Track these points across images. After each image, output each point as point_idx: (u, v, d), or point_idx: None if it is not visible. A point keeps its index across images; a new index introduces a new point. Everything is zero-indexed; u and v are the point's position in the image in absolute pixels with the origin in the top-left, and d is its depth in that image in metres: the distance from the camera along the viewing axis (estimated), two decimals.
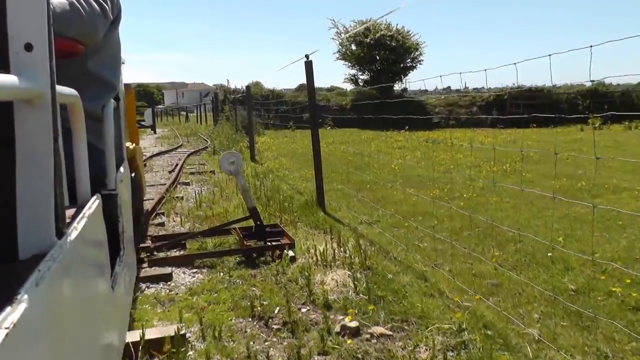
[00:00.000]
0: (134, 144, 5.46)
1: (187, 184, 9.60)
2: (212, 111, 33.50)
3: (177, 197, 8.00)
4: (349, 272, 4.16)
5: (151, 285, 4.23)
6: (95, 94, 2.06)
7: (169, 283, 4.28)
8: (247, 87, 12.74)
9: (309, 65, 6.99)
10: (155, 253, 5.02)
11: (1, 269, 0.89)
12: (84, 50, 1.94)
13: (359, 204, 7.64)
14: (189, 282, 4.32)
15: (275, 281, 4.21)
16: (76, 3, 1.84)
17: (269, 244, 5.12)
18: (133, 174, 5.30)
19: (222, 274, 4.49)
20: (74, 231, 1.07)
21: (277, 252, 4.81)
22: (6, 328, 0.62)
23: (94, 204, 1.37)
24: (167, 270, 4.45)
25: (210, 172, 10.88)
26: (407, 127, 26.27)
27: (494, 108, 32.00)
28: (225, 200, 7.84)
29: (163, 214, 6.90)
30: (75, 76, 1.83)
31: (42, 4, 0.95)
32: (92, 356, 1.17)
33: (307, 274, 4.12)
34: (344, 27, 32.41)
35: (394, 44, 30.80)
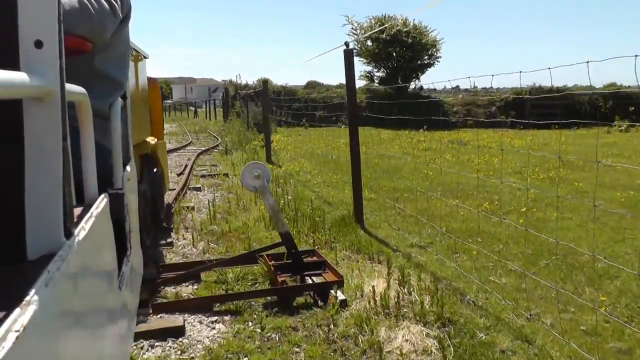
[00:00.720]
0: (156, 139, 5.44)
1: (198, 189, 8.53)
2: (222, 107, 32.47)
3: (187, 207, 6.93)
4: (425, 329, 3.07)
5: (156, 344, 3.16)
6: (102, 92, 2.00)
7: (180, 341, 3.18)
8: (264, 81, 11.68)
9: (348, 55, 5.92)
10: (162, 287, 3.94)
11: (10, 270, 0.89)
12: (93, 48, 1.90)
13: (399, 219, 6.56)
14: (208, 337, 3.24)
15: (326, 338, 3.13)
16: (85, 1, 1.82)
17: (309, 279, 4.04)
18: (155, 170, 5.43)
19: (251, 324, 3.42)
20: (82, 231, 1.06)
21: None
22: (16, 331, 0.62)
23: (101, 203, 1.35)
24: (178, 320, 3.38)
25: (224, 175, 9.79)
26: (425, 127, 25.18)
27: (513, 109, 30.83)
28: (243, 211, 6.79)
29: (172, 229, 5.82)
30: (83, 74, 1.77)
31: (53, 1, 0.95)
32: (101, 354, 1.16)
33: (367, 329, 3.03)
34: (358, 23, 31.29)
35: (410, 40, 29.62)
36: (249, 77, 36.76)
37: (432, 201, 7.33)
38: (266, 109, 12.13)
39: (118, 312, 1.51)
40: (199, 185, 8.68)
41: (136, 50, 5.15)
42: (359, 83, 35.19)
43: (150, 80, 6.17)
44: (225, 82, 35.22)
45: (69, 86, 1.05)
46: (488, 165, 11.40)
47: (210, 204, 6.80)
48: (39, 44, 0.90)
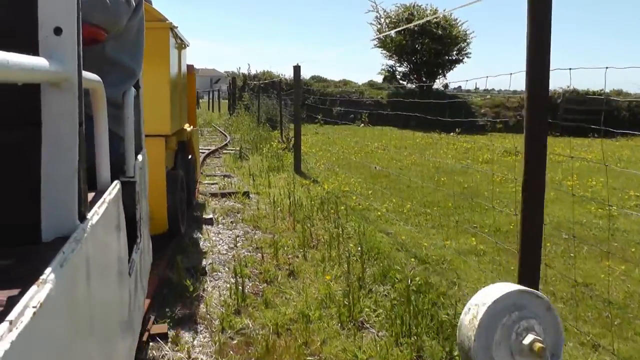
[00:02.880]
0: (192, 126, 5.47)
1: (210, 221, 5.75)
2: (227, 99, 29.66)
3: (192, 266, 4.19)
4: None
5: None
6: (116, 81, 1.99)
7: None
8: (296, 67, 8.84)
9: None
10: None
11: (26, 251, 0.93)
12: (107, 36, 1.89)
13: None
14: None
15: None
16: None
17: None
18: (190, 156, 5.59)
19: None
20: (95, 215, 1.08)
21: None
22: (33, 307, 0.65)
23: (114, 189, 1.36)
24: None
25: (244, 194, 7.01)
26: (458, 130, 22.45)
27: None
28: (290, 277, 4.06)
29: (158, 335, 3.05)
30: (96, 62, 1.75)
31: None
32: (111, 336, 1.19)
33: None
34: (385, 11, 28.43)
35: (440, 32, 26.80)
36: (258, 69, 33.84)
37: (589, 260, 4.59)
38: (297, 103, 9.35)
39: (127, 297, 1.50)
40: (210, 216, 5.88)
41: (180, 39, 5.16)
42: (378, 78, 32.46)
43: (188, 67, 6.04)
44: (228, 73, 32.37)
45: (85, 73, 1.07)
46: (585, 188, 8.63)
47: (234, 263, 4.05)
48: (58, 31, 0.92)
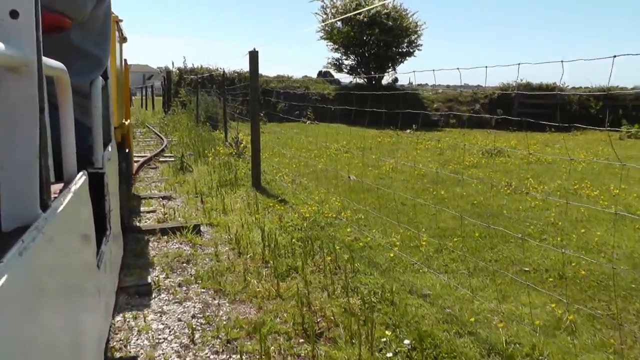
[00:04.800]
0: (128, 120, 5.43)
1: (144, 290, 3.65)
2: (162, 95, 27.12)
3: None
4: None
5: None
6: (82, 70, 1.92)
7: None
8: (253, 53, 6.83)
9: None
10: None
11: None
12: (71, 24, 1.81)
13: None
14: None
15: None
16: None
17: None
18: (127, 150, 5.38)
19: None
20: (59, 205, 1.04)
21: None
22: None
23: (80, 180, 1.31)
24: None
25: (193, 230, 4.94)
26: (415, 126, 20.85)
27: (499, 106, 26.97)
28: None
29: None
30: (62, 51, 1.72)
31: None
32: (76, 330, 1.14)
33: None
34: (331, 0, 26.49)
35: (390, 23, 25.09)
36: (195, 63, 31.15)
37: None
38: (255, 96, 7.24)
39: (96, 290, 1.46)
40: (146, 280, 3.76)
41: (122, 32, 5.18)
42: (334, 72, 30.61)
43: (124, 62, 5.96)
44: (161, 69, 29.72)
45: (47, 60, 1.04)
46: (566, 192, 6.97)
47: None
48: (14, 14, 0.88)
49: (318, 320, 3.19)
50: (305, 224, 5.32)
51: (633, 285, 4.17)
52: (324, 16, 26.94)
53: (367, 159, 9.91)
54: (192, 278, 3.90)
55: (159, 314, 3.23)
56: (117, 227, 2.24)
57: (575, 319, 3.43)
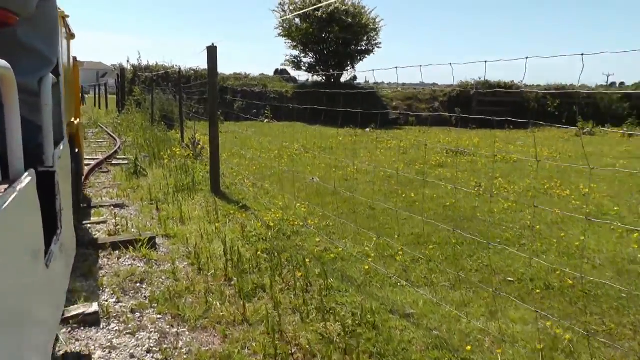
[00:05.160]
0: (78, 120, 5.31)
1: (92, 320, 3.18)
2: (116, 93, 26.26)
3: None
4: None
5: None
6: (29, 67, 1.87)
7: None
8: (211, 48, 6.41)
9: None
10: None
11: None
12: (17, 20, 1.73)
13: None
14: None
15: None
16: None
17: None
18: (77, 150, 5.19)
19: None
20: (2, 204, 1.02)
21: None
22: None
23: (26, 179, 1.30)
24: None
25: (148, 242, 4.49)
26: (372, 125, 20.60)
27: (457, 105, 27.01)
28: None
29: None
30: (6, 48, 1.76)
31: None
32: (24, 329, 1.14)
33: None
34: None
35: (349, 19, 24.80)
36: (150, 60, 30.26)
37: None
38: (214, 94, 6.77)
39: (44, 287, 1.46)
40: (93, 308, 3.27)
41: (69, 28, 4.89)
42: (290, 70, 30.21)
43: (74, 59, 5.64)
44: (115, 67, 28.86)
45: None
46: (535, 191, 6.78)
47: None
48: None
49: (292, 351, 2.80)
50: (269, 234, 4.92)
51: (623, 295, 3.91)
52: (282, 13, 26.50)
53: (330, 160, 9.55)
54: (147, 301, 3.47)
55: (107, 350, 2.79)
56: (69, 226, 2.21)
57: (572, 337, 3.13)
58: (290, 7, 25.90)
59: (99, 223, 5.17)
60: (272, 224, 5.20)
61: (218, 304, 3.41)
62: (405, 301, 3.59)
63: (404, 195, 6.88)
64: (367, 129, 20.48)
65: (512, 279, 4.14)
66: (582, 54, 2.60)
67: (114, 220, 5.23)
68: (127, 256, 4.28)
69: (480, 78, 28.45)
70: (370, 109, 25.04)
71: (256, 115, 22.73)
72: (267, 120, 22.10)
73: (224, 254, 4.21)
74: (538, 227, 5.61)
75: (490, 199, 6.87)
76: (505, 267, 4.42)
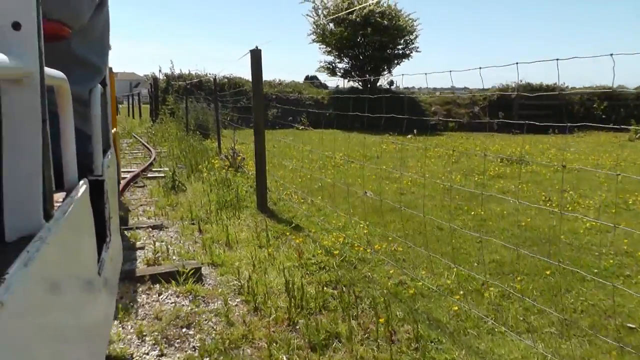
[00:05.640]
0: (115, 129, 4.84)
1: None
2: (149, 103, 25.95)
3: None
4: None
5: None
6: (81, 78, 1.90)
7: None
8: (255, 52, 5.79)
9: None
10: None
11: None
12: (71, 33, 1.77)
13: None
14: None
15: None
16: None
17: None
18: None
19: None
20: (62, 214, 1.05)
21: None
22: None
23: (81, 188, 1.33)
24: None
25: (192, 275, 3.85)
26: (415, 131, 19.88)
27: (499, 109, 26.08)
28: None
29: None
30: (61, 59, 1.72)
31: None
32: (79, 339, 1.14)
33: None
34: (322, 0, 25.46)
35: (385, 22, 24.09)
36: (182, 69, 29.87)
37: None
38: (260, 102, 6.13)
39: (97, 297, 1.48)
40: None
41: None
42: (321, 76, 29.63)
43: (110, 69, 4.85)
44: (147, 76, 28.56)
45: (48, 70, 1.04)
46: None
47: None
48: (16, 26, 0.88)
49: None
50: (332, 262, 4.26)
51: None
52: (315, 18, 25.93)
53: (379, 171, 8.86)
54: (197, 354, 2.83)
55: None
56: (116, 234, 2.22)
57: None
58: (324, 12, 25.30)
59: (136, 249, 4.56)
60: (333, 249, 4.54)
61: (281, 355, 2.77)
62: (512, 356, 2.89)
63: (472, 213, 6.16)
64: (409, 136, 19.75)
65: (632, 325, 3.40)
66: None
67: (152, 246, 4.62)
68: (170, 292, 3.66)
69: (521, 81, 27.48)
70: (409, 114, 24.38)
71: (292, 122, 22.14)
72: (302, 127, 21.51)
73: (284, 289, 3.56)
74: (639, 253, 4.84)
75: (565, 216, 6.11)
76: (616, 307, 3.68)
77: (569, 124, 15.92)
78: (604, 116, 27.11)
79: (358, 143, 15.36)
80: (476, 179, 8.65)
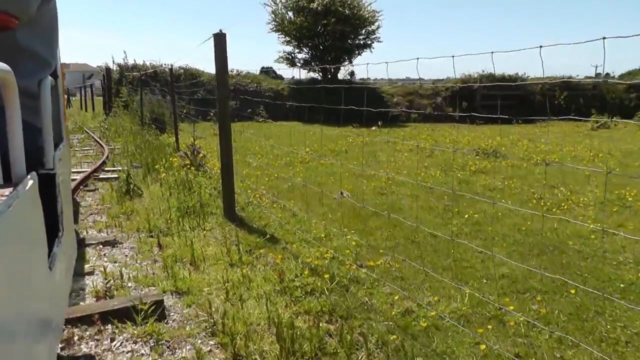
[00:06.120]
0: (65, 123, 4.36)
1: None
2: (102, 95, 24.73)
3: None
4: None
5: None
6: (29, 70, 1.87)
7: None
8: (219, 35, 5.01)
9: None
10: None
11: None
12: (16, 23, 1.70)
13: None
14: None
15: None
16: None
17: None
18: None
19: None
20: (7, 208, 1.02)
21: None
22: None
23: (28, 182, 1.30)
24: None
25: (154, 309, 3.09)
26: (380, 123, 19.31)
27: (461, 99, 25.81)
28: None
29: None
30: (7, 51, 1.77)
31: None
32: (28, 332, 1.12)
33: None
34: None
35: (347, 11, 23.42)
36: (136, 59, 28.55)
37: None
38: (225, 92, 5.36)
39: (48, 290, 1.46)
40: None
41: None
42: (277, 67, 28.87)
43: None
44: (100, 67, 27.31)
45: None
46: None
47: None
48: None
49: None
50: (320, 284, 3.58)
51: None
52: (274, 6, 25.09)
53: (353, 167, 8.20)
54: None
55: None
56: (70, 228, 2.17)
57: None
58: (282, 0, 24.48)
59: (84, 274, 3.78)
60: (319, 268, 3.86)
61: None
62: None
63: (466, 216, 5.54)
64: (373, 128, 19.17)
65: None
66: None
67: (103, 269, 3.85)
68: (125, 335, 2.91)
69: (483, 71, 27.19)
70: (371, 105, 23.78)
71: (250, 114, 21.33)
72: (262, 119, 20.72)
73: (267, 325, 2.87)
74: None
75: (564, 217, 5.56)
76: None
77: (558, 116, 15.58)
78: (564, 106, 27.11)
79: (322, 136, 14.67)
80: (459, 175, 8.07)
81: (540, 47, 2.55)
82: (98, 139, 12.91)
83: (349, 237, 4.72)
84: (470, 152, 10.55)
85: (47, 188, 1.65)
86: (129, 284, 3.62)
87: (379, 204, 6.17)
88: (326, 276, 3.64)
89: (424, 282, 3.80)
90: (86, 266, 3.91)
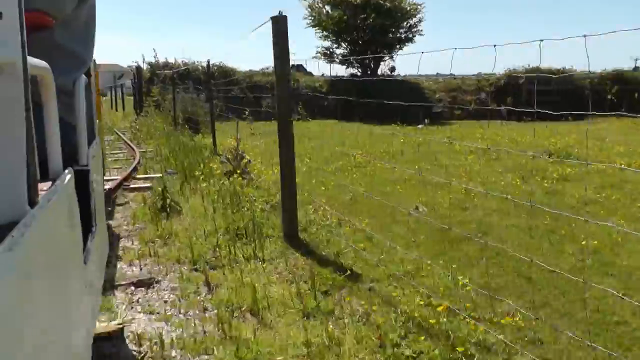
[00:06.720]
0: (97, 121, 4.30)
1: None
2: (133, 94, 24.02)
3: None
4: None
5: None
6: (65, 68, 1.85)
7: None
8: (279, 18, 3.95)
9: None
10: None
11: None
12: (53, 22, 1.77)
13: None
14: None
15: None
16: None
17: None
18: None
19: None
20: (46, 202, 1.03)
21: None
22: None
23: (66, 177, 1.30)
24: None
25: None
26: (427, 121, 18.18)
27: (506, 95, 24.52)
28: None
29: None
30: (45, 49, 1.63)
31: None
32: (65, 325, 1.12)
33: None
34: None
35: (388, 4, 22.27)
36: (168, 57, 27.77)
37: None
38: (284, 91, 4.36)
39: (83, 286, 1.45)
40: None
41: None
42: (314, 63, 27.91)
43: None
44: (131, 67, 26.61)
45: (31, 60, 1.02)
46: None
47: None
48: None
49: None
50: (435, 350, 2.55)
51: None
52: (311, 1, 24.07)
53: (409, 175, 7.13)
54: None
55: None
56: (102, 224, 2.19)
57: None
58: None
59: (107, 337, 2.78)
60: (427, 324, 2.82)
61: None
62: None
63: (582, 242, 4.43)
64: (420, 126, 18.05)
65: None
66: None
67: (136, 328, 2.86)
68: None
69: (529, 65, 25.85)
70: (414, 102, 22.62)
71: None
72: (299, 118, 19.69)
73: None
74: None
75: None
76: None
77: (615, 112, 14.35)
78: (615, 100, 25.62)
79: (366, 135, 13.61)
80: (545, 184, 6.93)
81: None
82: (129, 141, 12.04)
83: (443, 272, 3.67)
84: (540, 154, 9.38)
85: (81, 184, 1.62)
86: (172, 353, 2.62)
87: (463, 222, 5.12)
88: (423, 321, 2.61)
89: (569, 346, 2.75)
90: (111, 324, 2.89)
